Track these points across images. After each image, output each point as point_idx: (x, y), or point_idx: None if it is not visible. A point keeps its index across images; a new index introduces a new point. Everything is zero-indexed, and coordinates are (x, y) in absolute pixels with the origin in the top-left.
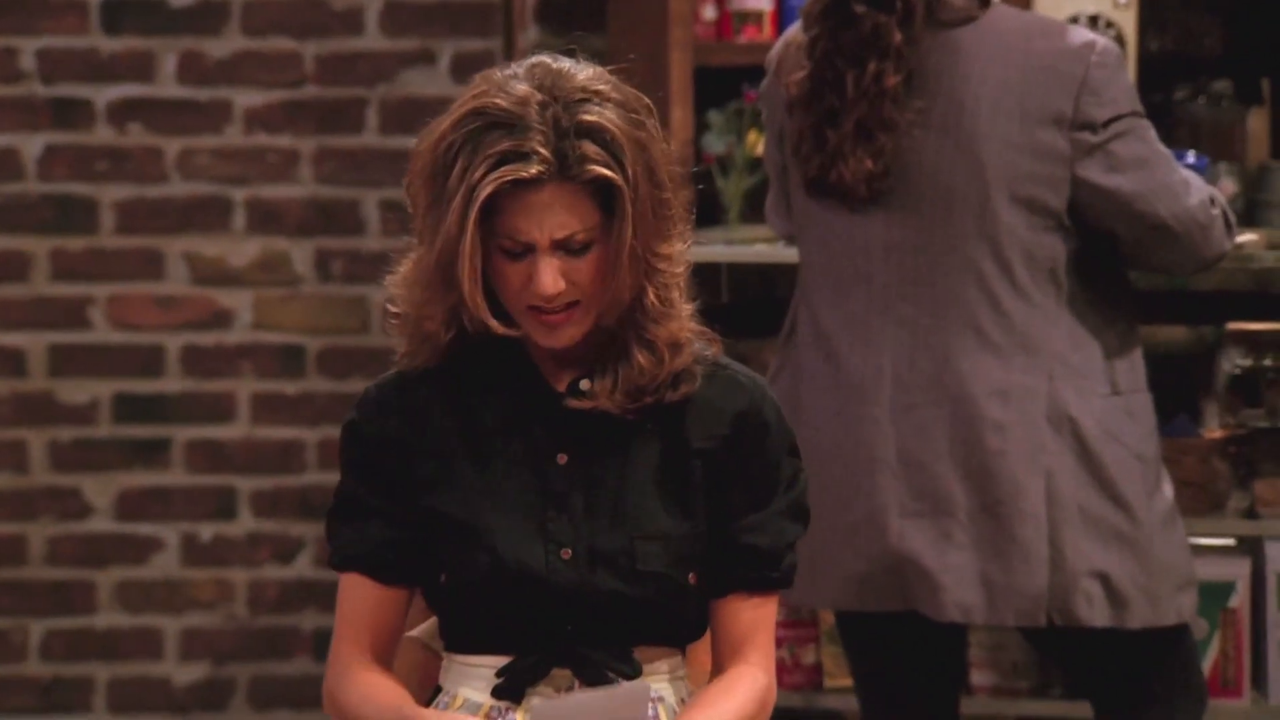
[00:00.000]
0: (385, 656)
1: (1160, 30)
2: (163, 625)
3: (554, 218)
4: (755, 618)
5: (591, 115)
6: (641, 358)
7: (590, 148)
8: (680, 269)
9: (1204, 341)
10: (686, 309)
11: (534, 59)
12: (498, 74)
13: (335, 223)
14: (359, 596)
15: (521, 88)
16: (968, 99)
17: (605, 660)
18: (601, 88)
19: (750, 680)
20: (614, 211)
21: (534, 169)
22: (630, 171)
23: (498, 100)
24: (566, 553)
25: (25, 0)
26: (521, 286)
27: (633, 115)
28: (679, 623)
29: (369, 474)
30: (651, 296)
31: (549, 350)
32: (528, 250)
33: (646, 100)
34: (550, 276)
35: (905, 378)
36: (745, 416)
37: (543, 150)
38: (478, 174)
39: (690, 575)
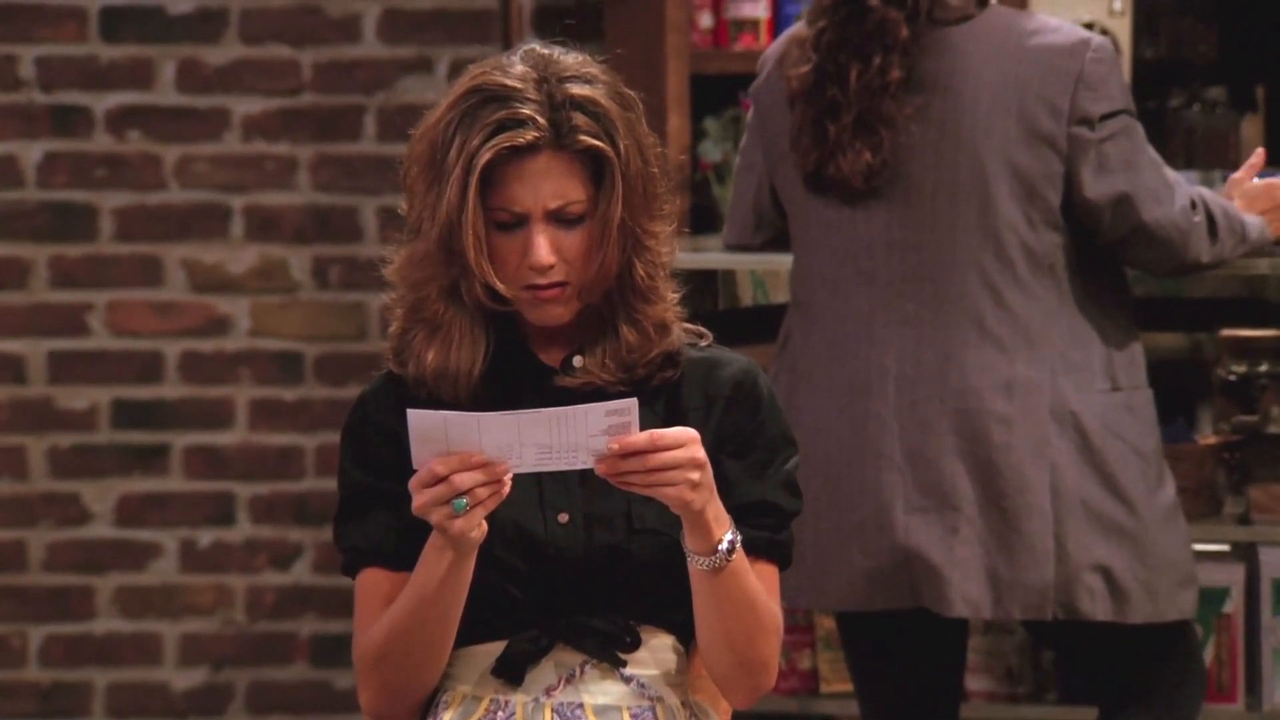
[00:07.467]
0: None
1: (1154, 38)
2: (161, 631)
3: (549, 185)
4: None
5: (584, 90)
6: (630, 336)
7: (583, 119)
8: (666, 250)
9: (1199, 347)
10: (672, 296)
11: (527, 46)
12: (493, 60)
13: (333, 230)
14: (378, 592)
15: (517, 68)
16: (965, 95)
17: (604, 631)
18: (592, 70)
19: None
20: (604, 186)
21: (530, 135)
22: (621, 146)
23: (494, 77)
24: (564, 517)
25: (24, 8)
26: (517, 262)
27: (621, 96)
28: (677, 590)
29: (370, 463)
30: (640, 273)
31: (541, 329)
32: (522, 221)
33: (632, 93)
34: (544, 246)
35: (909, 374)
36: (741, 385)
37: (538, 119)
38: (475, 142)
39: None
